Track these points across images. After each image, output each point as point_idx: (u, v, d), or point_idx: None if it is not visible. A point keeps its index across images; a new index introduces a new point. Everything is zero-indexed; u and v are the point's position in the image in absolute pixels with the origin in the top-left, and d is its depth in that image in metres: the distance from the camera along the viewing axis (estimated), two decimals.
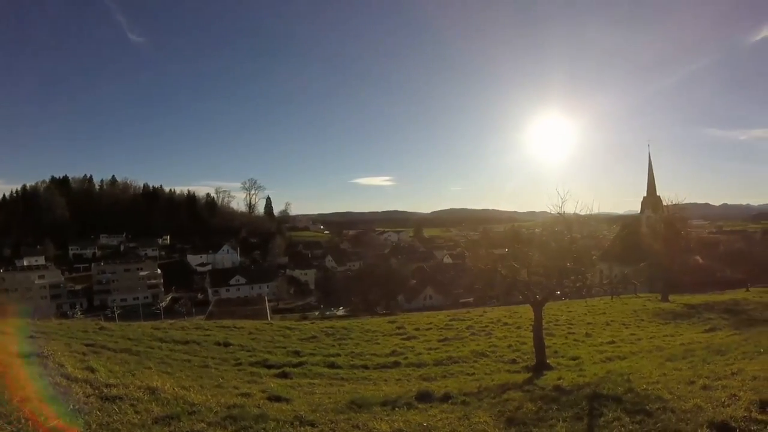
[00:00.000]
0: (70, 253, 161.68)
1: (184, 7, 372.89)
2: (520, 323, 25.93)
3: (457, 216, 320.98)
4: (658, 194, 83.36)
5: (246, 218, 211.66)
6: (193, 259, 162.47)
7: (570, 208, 17.61)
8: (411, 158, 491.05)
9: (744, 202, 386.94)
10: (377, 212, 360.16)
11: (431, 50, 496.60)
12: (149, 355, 16.07)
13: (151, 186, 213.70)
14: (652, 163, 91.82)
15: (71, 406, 7.38)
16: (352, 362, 17.64)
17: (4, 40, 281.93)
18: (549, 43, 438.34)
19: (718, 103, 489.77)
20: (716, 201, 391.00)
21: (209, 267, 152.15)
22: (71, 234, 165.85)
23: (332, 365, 16.85)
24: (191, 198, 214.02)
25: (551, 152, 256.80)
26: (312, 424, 7.95)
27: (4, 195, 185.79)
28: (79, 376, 9.37)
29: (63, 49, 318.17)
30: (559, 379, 12.24)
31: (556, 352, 18.53)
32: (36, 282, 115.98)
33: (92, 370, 10.22)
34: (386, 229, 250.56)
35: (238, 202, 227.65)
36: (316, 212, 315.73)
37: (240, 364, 16.54)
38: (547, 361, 15.63)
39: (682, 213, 49.44)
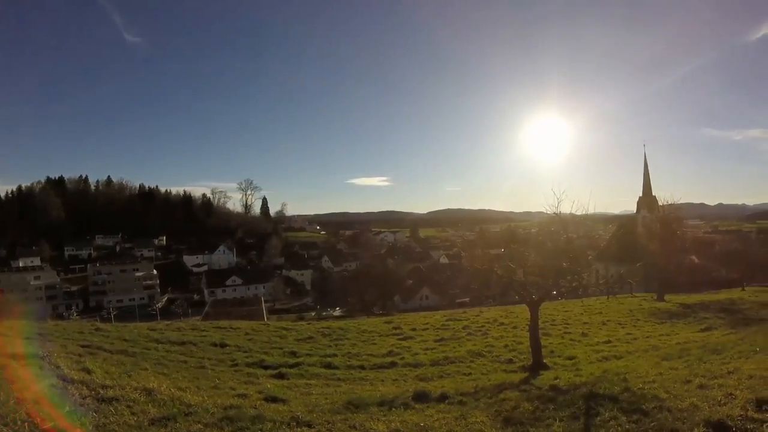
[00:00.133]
0: (66, 253, 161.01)
1: (181, 8, 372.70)
2: (517, 323, 25.95)
3: (453, 216, 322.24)
4: (653, 194, 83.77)
5: (242, 219, 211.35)
6: (189, 260, 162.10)
7: (566, 208, 17.71)
8: (407, 158, 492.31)
9: (739, 202, 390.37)
10: (373, 213, 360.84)
11: (427, 50, 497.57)
12: (145, 356, 16.04)
13: (147, 186, 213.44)
14: (648, 163, 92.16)
15: (68, 408, 7.35)
16: (348, 363, 17.62)
17: (0, 40, 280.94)
18: (545, 43, 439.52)
19: (714, 103, 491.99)
20: (712, 201, 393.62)
21: (205, 268, 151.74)
22: (67, 235, 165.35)
23: (329, 366, 16.83)
24: (187, 198, 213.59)
25: (547, 152, 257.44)
26: (309, 425, 7.94)
27: None
28: (76, 378, 9.34)
29: (59, 50, 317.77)
30: (555, 378, 12.25)
31: (552, 351, 18.54)
32: (32, 283, 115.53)
33: (88, 372, 10.18)
34: (382, 230, 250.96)
35: (235, 203, 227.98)
36: (312, 213, 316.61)
37: (236, 364, 16.52)
38: (544, 361, 15.65)
39: (677, 213, 49.60)
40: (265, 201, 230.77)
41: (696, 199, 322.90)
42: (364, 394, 11.08)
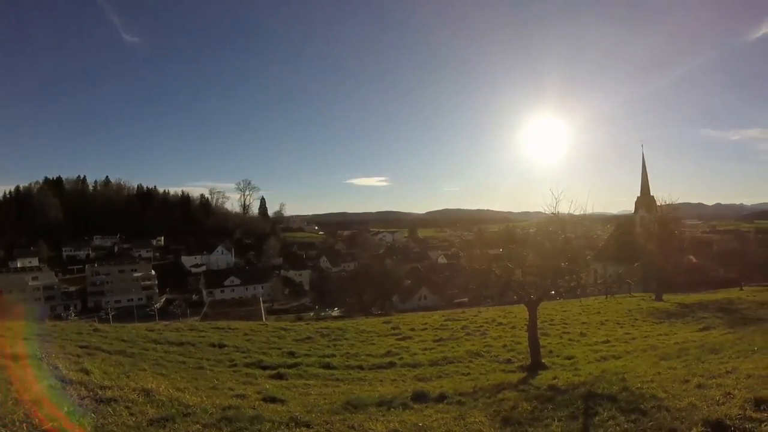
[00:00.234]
0: (64, 254, 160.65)
1: (179, 8, 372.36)
2: (515, 323, 25.97)
3: (451, 216, 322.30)
4: (651, 194, 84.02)
5: (240, 219, 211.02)
6: (188, 260, 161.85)
7: (564, 208, 17.69)
8: (405, 158, 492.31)
9: (737, 202, 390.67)
10: (372, 213, 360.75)
11: (426, 50, 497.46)
12: (144, 357, 16.02)
13: (145, 187, 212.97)
14: (646, 163, 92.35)
15: (66, 409, 7.35)
16: (347, 363, 17.62)
17: None
18: (544, 43, 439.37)
19: (711, 103, 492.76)
20: (710, 201, 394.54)
21: (204, 268, 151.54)
22: (65, 235, 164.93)
23: (327, 366, 16.83)
24: (185, 199, 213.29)
25: (546, 152, 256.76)
26: (307, 425, 7.94)
27: None
28: (74, 378, 9.33)
29: (57, 50, 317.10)
30: (554, 378, 12.27)
31: (551, 351, 18.55)
32: (30, 283, 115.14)
33: (87, 372, 10.18)
34: (381, 230, 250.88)
35: (233, 203, 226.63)
36: (310, 213, 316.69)
37: (235, 365, 16.51)
38: (542, 361, 15.66)
39: (675, 213, 49.68)
40: (263, 201, 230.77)
41: (694, 199, 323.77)
42: (363, 395, 11.08)
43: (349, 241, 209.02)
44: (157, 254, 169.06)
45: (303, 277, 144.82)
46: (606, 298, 42.87)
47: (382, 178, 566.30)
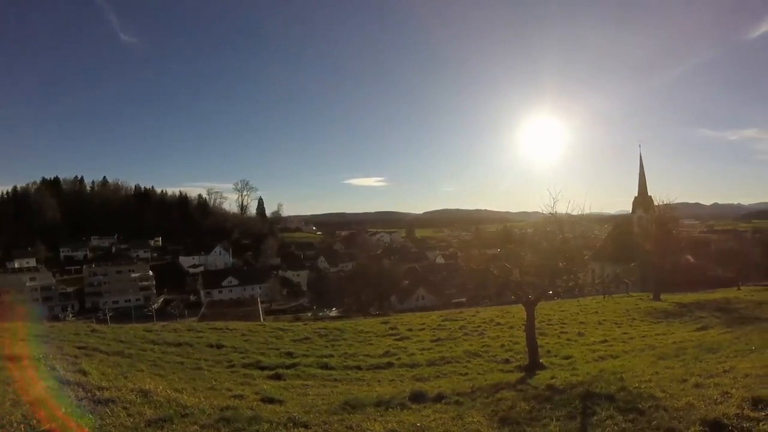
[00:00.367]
0: (61, 254, 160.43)
1: (177, 8, 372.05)
2: (513, 323, 25.99)
3: (449, 216, 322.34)
4: (649, 194, 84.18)
5: (238, 219, 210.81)
6: (185, 261, 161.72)
7: (562, 208, 17.71)
8: (403, 159, 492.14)
9: (735, 202, 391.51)
10: (370, 213, 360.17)
11: (424, 50, 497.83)
12: (141, 358, 15.98)
13: (142, 187, 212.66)
14: (644, 163, 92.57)
15: (64, 410, 7.33)
16: (345, 363, 17.61)
17: None
18: (541, 44, 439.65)
19: (709, 103, 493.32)
20: (707, 200, 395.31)
21: (201, 268, 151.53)
22: (62, 236, 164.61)
23: (325, 366, 16.82)
24: (183, 199, 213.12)
25: (543, 152, 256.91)
26: (305, 426, 7.94)
27: None
28: (72, 379, 9.31)
29: (55, 50, 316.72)
30: (551, 378, 12.28)
31: (548, 351, 18.59)
32: (27, 284, 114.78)
33: (84, 373, 10.16)
34: (379, 230, 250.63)
35: (230, 203, 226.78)
36: (308, 213, 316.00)
37: (233, 365, 16.48)
38: (540, 361, 15.68)
39: (673, 212, 49.83)
40: (261, 201, 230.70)
41: (691, 199, 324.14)
42: (361, 395, 11.08)
43: (347, 242, 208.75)
44: (155, 255, 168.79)
45: (301, 277, 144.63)
46: (604, 297, 42.91)
47: (380, 179, 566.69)
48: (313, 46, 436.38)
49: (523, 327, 17.16)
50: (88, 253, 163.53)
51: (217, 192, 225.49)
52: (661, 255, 46.47)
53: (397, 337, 23.71)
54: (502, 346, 20.38)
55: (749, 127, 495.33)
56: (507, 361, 17.66)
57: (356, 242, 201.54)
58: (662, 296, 39.29)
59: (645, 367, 12.60)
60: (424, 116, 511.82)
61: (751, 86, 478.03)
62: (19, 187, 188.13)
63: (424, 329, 25.80)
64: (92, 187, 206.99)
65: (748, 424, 6.72)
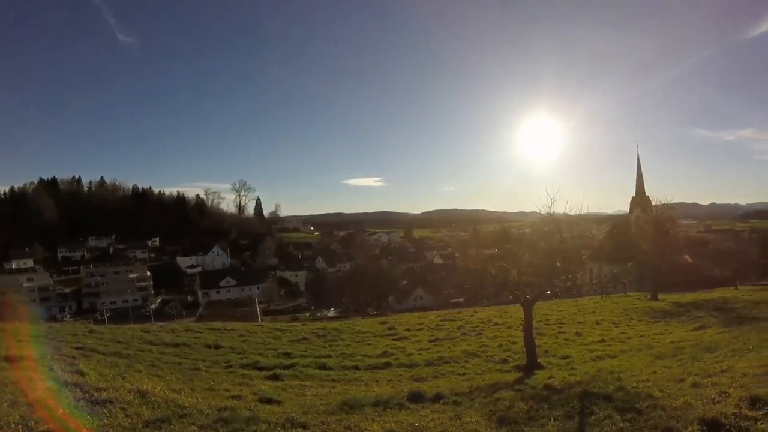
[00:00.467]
0: (59, 255, 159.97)
1: (175, 8, 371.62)
2: (511, 323, 26.02)
3: (447, 216, 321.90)
4: (646, 194, 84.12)
5: (236, 219, 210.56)
6: (183, 261, 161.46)
7: (560, 208, 17.71)
8: (401, 159, 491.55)
9: (732, 202, 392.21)
10: (368, 213, 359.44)
11: (422, 51, 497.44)
12: (139, 358, 15.96)
13: (140, 187, 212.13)
14: (641, 164, 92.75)
15: (61, 411, 7.32)
16: (343, 363, 17.61)
17: None
18: (540, 45, 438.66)
19: (706, 103, 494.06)
20: (704, 200, 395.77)
21: (199, 269, 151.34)
22: (60, 236, 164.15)
23: (323, 366, 16.81)
24: (181, 199, 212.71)
25: (541, 152, 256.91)
26: (303, 426, 7.92)
27: None
28: (69, 380, 9.29)
29: (51, 50, 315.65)
30: (549, 378, 12.29)
31: (546, 351, 18.61)
32: (25, 285, 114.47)
33: (82, 374, 10.14)
34: (376, 230, 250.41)
35: (228, 204, 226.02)
36: (306, 213, 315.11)
37: (231, 366, 16.46)
38: (538, 361, 15.69)
39: (670, 212, 49.91)
40: (258, 202, 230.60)
41: (689, 199, 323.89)
42: (359, 395, 11.07)
43: (344, 242, 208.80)
44: (153, 255, 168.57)
45: (299, 277, 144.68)
46: (601, 297, 42.97)
47: (378, 179, 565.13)
48: (311, 47, 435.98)
49: (521, 327, 17.19)
50: (85, 253, 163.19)
51: (214, 192, 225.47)
52: (658, 255, 46.53)
53: (395, 337, 23.72)
54: (500, 346, 20.40)
55: (746, 127, 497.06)
56: (505, 361, 17.66)
57: (354, 242, 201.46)
58: (660, 296, 39.36)
59: (643, 366, 12.62)
60: (422, 116, 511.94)
61: (747, 86, 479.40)
62: (16, 187, 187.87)
63: (422, 329, 25.82)
64: (90, 188, 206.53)
65: (745, 423, 6.74)
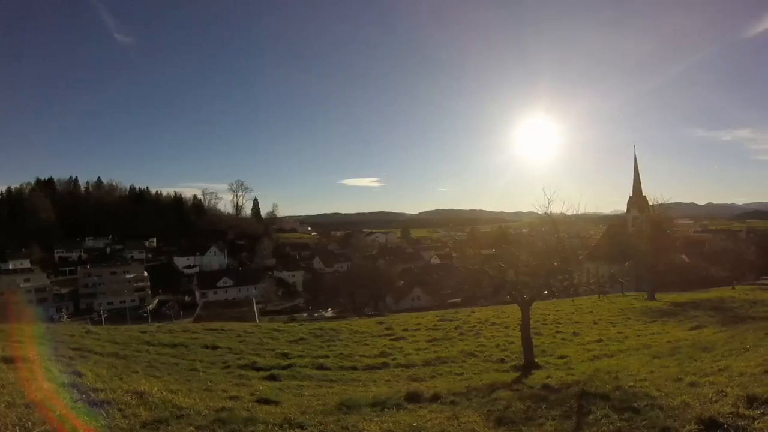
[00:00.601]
0: (56, 255, 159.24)
1: (172, 8, 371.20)
2: (508, 323, 26.05)
3: (444, 217, 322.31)
4: (644, 194, 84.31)
5: (233, 220, 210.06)
6: (180, 262, 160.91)
7: (557, 209, 17.75)
8: (399, 159, 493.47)
9: (729, 202, 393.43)
10: (365, 213, 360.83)
11: (420, 51, 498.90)
12: (136, 359, 15.95)
13: (137, 188, 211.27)
14: (638, 163, 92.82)
15: (59, 412, 7.30)
16: (340, 364, 17.61)
17: None
18: (536, 45, 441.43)
19: (703, 103, 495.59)
20: (701, 200, 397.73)
21: (196, 269, 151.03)
22: (57, 236, 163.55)
23: (321, 367, 16.81)
24: (178, 200, 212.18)
25: (538, 153, 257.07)
26: (301, 427, 7.92)
27: None
28: (67, 381, 9.28)
29: (48, 50, 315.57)
30: (547, 377, 12.31)
31: (544, 351, 18.62)
32: (21, 285, 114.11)
33: (79, 375, 10.12)
34: (374, 230, 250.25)
35: (225, 204, 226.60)
36: (303, 213, 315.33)
37: (228, 366, 16.45)
38: (536, 360, 15.72)
39: (667, 212, 50.05)
40: (256, 202, 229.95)
41: (686, 199, 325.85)
42: (357, 395, 11.06)
43: (342, 242, 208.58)
44: (150, 255, 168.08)
45: (296, 277, 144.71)
46: (599, 297, 43.01)
47: (375, 179, 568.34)
48: (309, 48, 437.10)
49: (519, 327, 17.18)
50: (82, 254, 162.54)
51: (212, 192, 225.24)
52: (655, 255, 46.63)
53: (393, 337, 23.75)
54: (498, 345, 20.43)
55: (743, 128, 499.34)
56: (502, 360, 17.68)
57: (351, 243, 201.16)
58: (657, 295, 39.42)
59: (640, 366, 12.64)
60: (420, 117, 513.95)
61: (744, 87, 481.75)
62: (13, 187, 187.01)
63: (419, 329, 25.85)
64: (87, 188, 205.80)
65: (743, 423, 6.75)
